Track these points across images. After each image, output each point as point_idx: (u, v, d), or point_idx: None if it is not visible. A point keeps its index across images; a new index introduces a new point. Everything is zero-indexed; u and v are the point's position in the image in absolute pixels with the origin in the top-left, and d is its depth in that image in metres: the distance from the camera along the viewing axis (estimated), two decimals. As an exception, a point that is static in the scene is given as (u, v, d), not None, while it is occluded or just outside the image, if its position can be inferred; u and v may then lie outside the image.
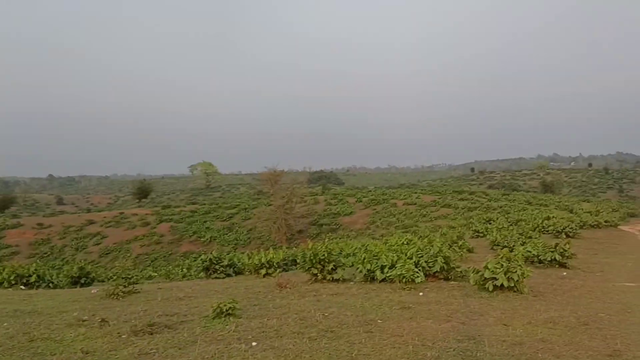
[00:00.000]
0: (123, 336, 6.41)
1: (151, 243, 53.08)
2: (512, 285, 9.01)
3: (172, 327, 6.86)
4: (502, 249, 18.86)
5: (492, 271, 9.14)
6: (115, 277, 19.14)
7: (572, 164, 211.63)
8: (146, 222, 58.55)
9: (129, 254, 51.58)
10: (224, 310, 7.24)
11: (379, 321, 6.97)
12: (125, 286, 9.92)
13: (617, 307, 7.98)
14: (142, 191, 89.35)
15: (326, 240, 16.91)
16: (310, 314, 7.36)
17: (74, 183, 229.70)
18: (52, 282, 15.74)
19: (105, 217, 63.06)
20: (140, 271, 39.21)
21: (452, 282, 10.62)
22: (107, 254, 51.94)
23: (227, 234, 53.68)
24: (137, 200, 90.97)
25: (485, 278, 9.20)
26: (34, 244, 54.81)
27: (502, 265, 9.18)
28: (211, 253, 15.80)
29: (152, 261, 48.90)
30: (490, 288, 9.06)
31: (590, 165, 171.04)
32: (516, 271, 9.03)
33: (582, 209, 46.93)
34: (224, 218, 58.12)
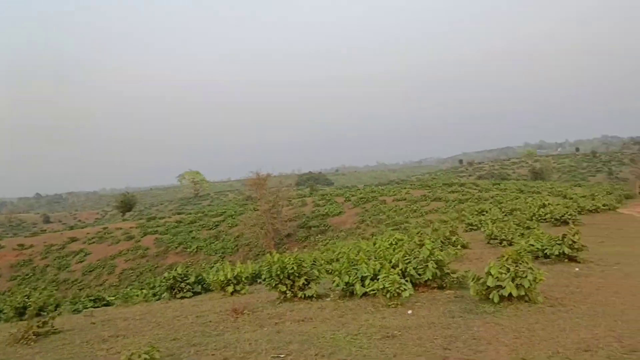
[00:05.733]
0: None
1: (136, 257, 51.21)
2: (523, 294, 7.23)
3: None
4: (500, 243, 17.20)
5: (497, 277, 7.35)
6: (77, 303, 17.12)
7: (559, 149, 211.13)
8: (130, 236, 56.45)
9: (113, 270, 49.60)
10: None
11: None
12: (40, 326, 7.95)
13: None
14: (126, 204, 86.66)
15: (318, 244, 15.11)
16: (260, 358, 5.52)
17: (62, 200, 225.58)
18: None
19: (88, 233, 60.72)
20: (126, 287, 37.34)
21: (448, 292, 8.83)
22: (90, 271, 49.92)
23: (213, 242, 51.81)
24: (122, 214, 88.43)
25: (489, 287, 7.41)
26: (15, 266, 52.54)
27: (508, 269, 7.40)
28: (175, 270, 13.93)
29: (137, 276, 47.14)
30: (496, 299, 7.29)
31: (577, 149, 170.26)
32: (526, 276, 7.25)
33: (576, 194, 45.53)
34: (211, 227, 56.20)
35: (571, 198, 41.25)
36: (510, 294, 7.19)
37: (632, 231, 21.52)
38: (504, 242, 16.91)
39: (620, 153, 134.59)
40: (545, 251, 12.26)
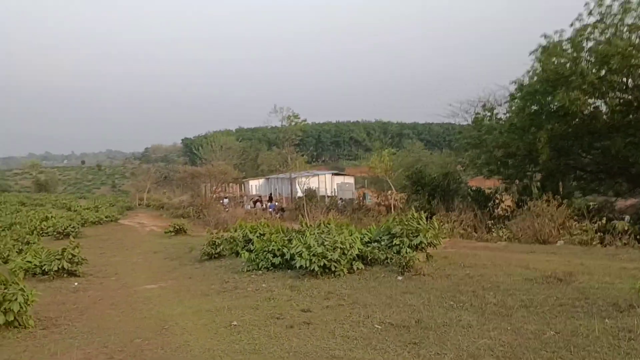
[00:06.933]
0: None
1: None
2: (12, 319, 6.38)
3: None
4: (-7, 262, 15.18)
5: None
6: None
7: (65, 161, 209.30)
8: None
9: None
10: None
11: None
12: None
13: (151, 323, 6.57)
14: None
15: None
16: None
17: None
18: None
19: None
20: None
21: None
22: None
23: None
24: None
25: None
26: None
27: (-6, 293, 6.39)
28: None
29: None
30: (-22, 330, 6.15)
31: (83, 162, 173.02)
32: (16, 298, 6.44)
33: (81, 206, 45.74)
34: None
35: (75, 210, 41.07)
36: (-5, 322, 6.21)
37: (130, 241, 23.04)
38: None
39: (123, 167, 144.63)
40: (44, 267, 11.53)
